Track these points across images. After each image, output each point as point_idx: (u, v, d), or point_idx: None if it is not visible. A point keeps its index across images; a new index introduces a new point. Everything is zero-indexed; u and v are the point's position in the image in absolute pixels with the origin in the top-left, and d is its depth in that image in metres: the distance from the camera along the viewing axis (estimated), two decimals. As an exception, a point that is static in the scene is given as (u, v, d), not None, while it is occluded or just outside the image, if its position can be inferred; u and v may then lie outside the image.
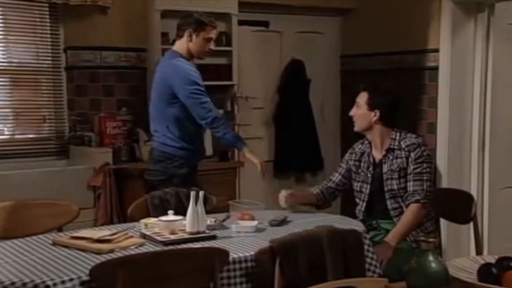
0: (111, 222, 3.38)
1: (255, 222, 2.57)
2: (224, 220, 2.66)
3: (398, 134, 2.84)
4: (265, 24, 4.59)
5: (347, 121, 4.85)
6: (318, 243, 2.23)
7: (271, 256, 2.17)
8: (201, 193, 2.46)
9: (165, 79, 3.16)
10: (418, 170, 2.75)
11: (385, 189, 2.80)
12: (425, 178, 2.75)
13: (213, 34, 3.24)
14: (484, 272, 1.55)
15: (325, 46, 4.83)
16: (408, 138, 2.82)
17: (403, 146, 2.81)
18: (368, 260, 2.44)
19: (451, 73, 3.99)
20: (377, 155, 2.88)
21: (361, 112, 2.86)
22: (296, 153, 4.62)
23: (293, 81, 4.63)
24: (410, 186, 2.75)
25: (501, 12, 3.94)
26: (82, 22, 3.85)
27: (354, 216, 2.91)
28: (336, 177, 3.01)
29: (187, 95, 3.10)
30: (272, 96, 4.64)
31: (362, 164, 2.92)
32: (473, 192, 3.86)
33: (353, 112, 2.90)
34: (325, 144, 4.81)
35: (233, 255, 2.16)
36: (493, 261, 1.62)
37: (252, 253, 2.19)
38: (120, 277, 1.88)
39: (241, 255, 2.18)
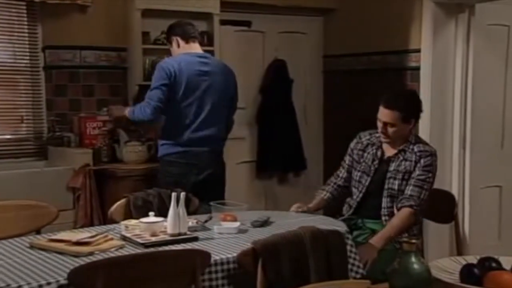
0: (91, 224, 3.34)
1: (237, 223, 2.55)
2: (206, 221, 2.63)
3: (414, 137, 2.86)
4: (248, 24, 4.57)
5: (329, 121, 4.90)
6: (301, 244, 2.22)
7: (253, 257, 2.15)
8: (182, 194, 2.43)
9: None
10: (422, 177, 2.75)
11: (386, 186, 2.80)
12: (425, 187, 2.75)
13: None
14: (466, 273, 1.55)
15: (307, 46, 4.82)
16: (422, 144, 2.84)
17: (415, 150, 2.81)
18: (351, 260, 2.43)
19: (433, 73, 4.01)
20: (388, 151, 2.88)
21: (397, 129, 2.78)
22: (279, 153, 4.61)
23: (276, 81, 4.62)
24: (409, 190, 2.74)
25: (481, 13, 3.97)
26: (60, 21, 3.79)
27: (338, 215, 2.91)
28: (343, 173, 3.01)
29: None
30: (254, 96, 4.63)
31: (366, 154, 2.91)
32: (454, 191, 3.89)
33: (384, 130, 2.78)
34: (308, 144, 4.81)
35: (215, 257, 2.14)
36: (475, 261, 1.62)
37: (234, 254, 2.18)
38: (99, 281, 1.85)
39: (223, 256, 2.16)
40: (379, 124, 2.82)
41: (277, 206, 4.57)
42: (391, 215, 2.76)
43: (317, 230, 2.32)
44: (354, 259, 2.45)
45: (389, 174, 2.82)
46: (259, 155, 4.64)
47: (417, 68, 4.09)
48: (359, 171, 2.92)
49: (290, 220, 2.68)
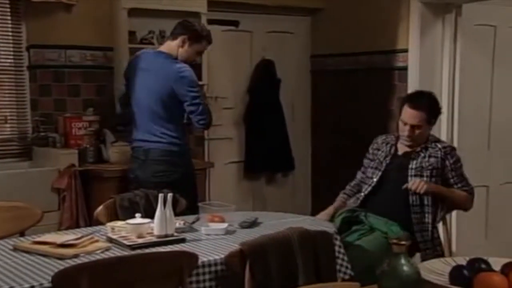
0: (76, 226, 3.29)
1: (225, 224, 2.53)
2: (193, 223, 2.61)
3: (433, 136, 2.94)
4: (235, 23, 4.55)
5: (317, 121, 4.90)
6: (289, 246, 2.21)
7: (241, 259, 2.14)
8: (169, 195, 2.41)
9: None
10: (458, 172, 2.87)
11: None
12: (465, 176, 2.89)
13: (205, 48, 3.31)
14: (456, 274, 1.55)
15: (295, 46, 4.81)
16: (441, 141, 2.94)
17: (439, 146, 2.87)
18: (339, 261, 2.43)
19: (420, 73, 4.02)
20: (402, 149, 2.89)
21: (422, 131, 2.82)
22: (266, 153, 4.60)
23: (264, 81, 4.60)
24: (457, 183, 2.86)
25: (468, 13, 3.99)
26: (45, 19, 3.74)
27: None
28: (360, 174, 3.07)
29: None
30: (242, 96, 4.61)
31: (380, 152, 2.96)
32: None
33: (411, 133, 2.81)
34: (296, 144, 4.80)
35: (202, 259, 2.12)
36: (464, 262, 1.61)
37: (222, 256, 2.16)
38: (84, 284, 1.82)
39: (210, 258, 2.14)
40: (405, 127, 2.81)
41: (265, 206, 4.56)
42: (419, 211, 2.80)
43: (305, 230, 2.30)
44: (343, 259, 2.44)
45: (412, 172, 2.83)
46: (247, 155, 4.62)
47: (405, 68, 4.10)
48: (371, 167, 2.97)
49: (278, 221, 2.67)
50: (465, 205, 2.95)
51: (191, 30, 3.25)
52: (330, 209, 3.01)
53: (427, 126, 2.82)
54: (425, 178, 2.81)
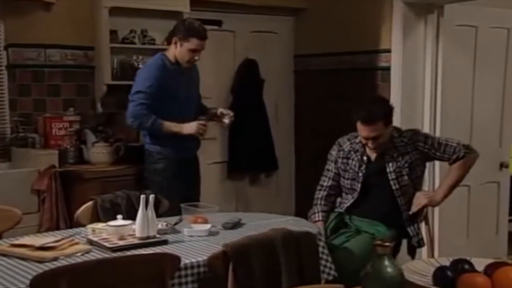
0: (57, 228, 3.24)
1: (208, 226, 2.51)
2: (176, 224, 2.59)
3: (396, 131, 2.89)
4: (218, 23, 4.52)
5: (301, 121, 4.89)
6: (272, 247, 2.20)
7: (224, 260, 2.12)
8: (151, 196, 2.38)
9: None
10: (436, 146, 2.83)
11: (395, 187, 2.82)
12: (444, 142, 2.85)
13: (198, 46, 3.26)
14: (439, 275, 1.54)
15: (278, 46, 4.80)
16: (405, 132, 2.90)
17: (405, 140, 2.86)
18: (323, 262, 2.42)
19: (403, 73, 4.03)
20: (372, 153, 2.88)
21: (383, 139, 2.81)
22: (250, 153, 4.58)
23: (247, 81, 4.58)
24: (444, 153, 2.83)
25: (449, 14, 4.01)
26: (24, 18, 3.67)
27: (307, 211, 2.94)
28: (328, 182, 2.99)
29: None
30: (225, 96, 4.58)
31: (350, 161, 2.91)
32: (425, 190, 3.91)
33: (373, 145, 2.80)
34: (279, 144, 4.78)
35: (184, 260, 2.10)
36: (447, 263, 1.61)
37: (205, 257, 2.14)
38: (64, 287, 1.78)
39: (193, 260, 2.13)
40: (364, 141, 2.81)
41: (248, 207, 4.54)
42: (409, 209, 2.82)
43: (288, 232, 2.29)
44: (326, 260, 2.44)
45: (392, 175, 2.82)
46: (230, 155, 4.60)
47: (388, 68, 4.11)
48: (347, 178, 2.92)
49: (262, 222, 2.65)
50: (469, 167, 2.92)
51: (178, 30, 3.26)
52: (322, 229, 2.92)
53: (385, 129, 2.79)
54: (405, 176, 2.81)
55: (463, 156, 2.84)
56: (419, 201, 2.82)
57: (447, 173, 2.93)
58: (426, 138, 2.88)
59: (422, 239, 2.93)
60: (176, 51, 3.27)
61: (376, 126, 2.74)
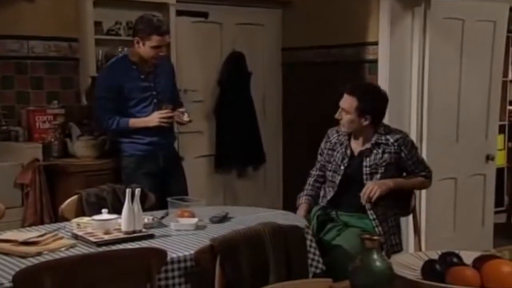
0: (41, 222, 3.20)
1: (195, 220, 2.49)
2: (162, 218, 2.56)
3: (383, 128, 2.87)
4: (205, 15, 4.48)
5: (288, 114, 4.87)
6: (260, 241, 2.18)
7: (211, 255, 2.10)
8: (137, 190, 2.35)
9: None
10: (414, 159, 2.90)
11: (366, 182, 2.79)
12: (421, 159, 2.98)
13: (160, 42, 3.24)
14: (428, 269, 1.54)
15: (266, 39, 4.77)
16: (393, 132, 2.88)
17: (391, 140, 2.84)
18: (311, 255, 2.41)
19: (390, 66, 4.03)
20: (356, 147, 2.87)
21: (350, 117, 2.80)
22: (237, 147, 4.55)
23: (234, 74, 4.55)
24: (415, 171, 2.91)
25: (436, 7, 4.00)
26: (6, 9, 3.60)
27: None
28: (316, 171, 3.04)
29: None
30: (212, 89, 4.55)
31: (335, 153, 2.92)
32: (412, 184, 3.91)
33: (339, 116, 2.84)
34: (267, 137, 4.77)
35: (171, 255, 2.08)
36: (436, 257, 1.60)
37: (192, 252, 2.13)
38: (47, 283, 1.75)
39: (180, 254, 2.11)
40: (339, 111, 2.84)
41: (236, 200, 4.52)
42: (382, 205, 2.80)
43: (276, 225, 2.28)
44: (314, 254, 2.43)
45: (367, 170, 2.82)
46: (217, 149, 4.57)
47: (375, 61, 4.11)
48: (330, 170, 2.93)
49: (250, 216, 2.64)
50: (421, 188, 3.17)
51: (137, 30, 3.27)
52: (302, 211, 2.94)
53: (357, 117, 2.78)
54: (379, 175, 2.80)
55: (425, 177, 2.95)
56: (364, 192, 2.77)
57: (407, 176, 2.93)
58: (411, 148, 2.89)
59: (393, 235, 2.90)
60: (140, 50, 3.26)
61: (350, 99, 2.78)
